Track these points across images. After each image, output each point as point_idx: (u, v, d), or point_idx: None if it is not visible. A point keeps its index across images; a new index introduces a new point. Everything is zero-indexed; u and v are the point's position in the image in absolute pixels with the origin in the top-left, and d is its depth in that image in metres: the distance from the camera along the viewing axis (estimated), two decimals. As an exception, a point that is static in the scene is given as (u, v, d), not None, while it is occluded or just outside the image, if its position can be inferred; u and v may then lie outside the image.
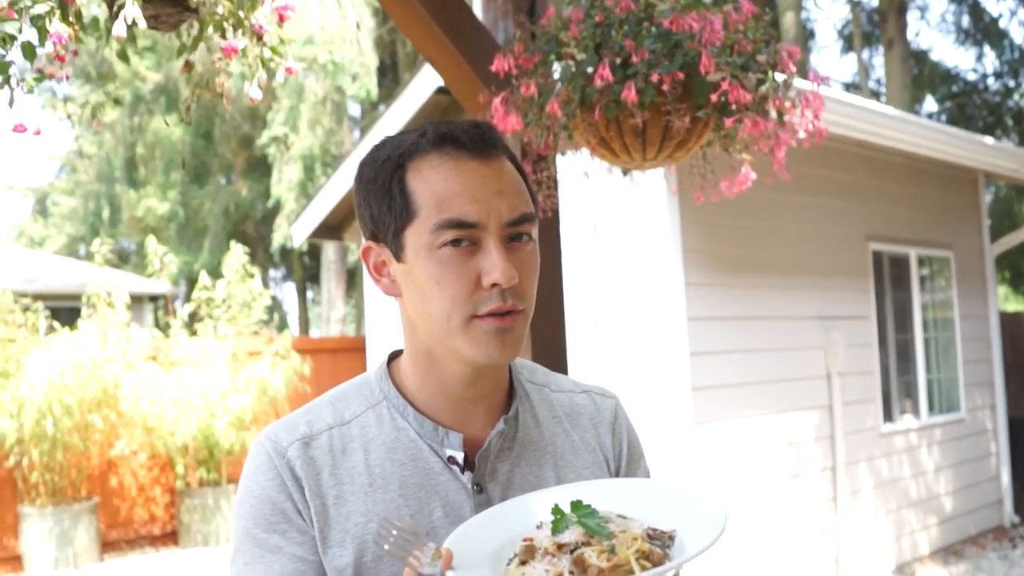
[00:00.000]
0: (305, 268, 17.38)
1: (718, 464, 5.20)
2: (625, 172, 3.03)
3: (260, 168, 16.94)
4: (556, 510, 0.97)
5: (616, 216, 5.37)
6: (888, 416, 6.82)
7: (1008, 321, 10.00)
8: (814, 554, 5.88)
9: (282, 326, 18.48)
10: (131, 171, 18.34)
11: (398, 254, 1.11)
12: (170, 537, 8.41)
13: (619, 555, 0.90)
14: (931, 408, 7.31)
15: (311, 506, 1.11)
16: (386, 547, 0.92)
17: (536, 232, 1.12)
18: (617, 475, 1.25)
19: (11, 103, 1.94)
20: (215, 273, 12.54)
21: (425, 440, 1.15)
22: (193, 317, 8.61)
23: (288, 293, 22.04)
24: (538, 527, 1.00)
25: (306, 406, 1.22)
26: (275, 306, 16.95)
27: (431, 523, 1.12)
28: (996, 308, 8.52)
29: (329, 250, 13.98)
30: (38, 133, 2.07)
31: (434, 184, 1.07)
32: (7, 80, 1.92)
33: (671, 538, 0.96)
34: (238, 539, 1.13)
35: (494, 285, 1.05)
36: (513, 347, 1.10)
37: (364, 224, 1.15)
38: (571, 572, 0.89)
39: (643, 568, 0.89)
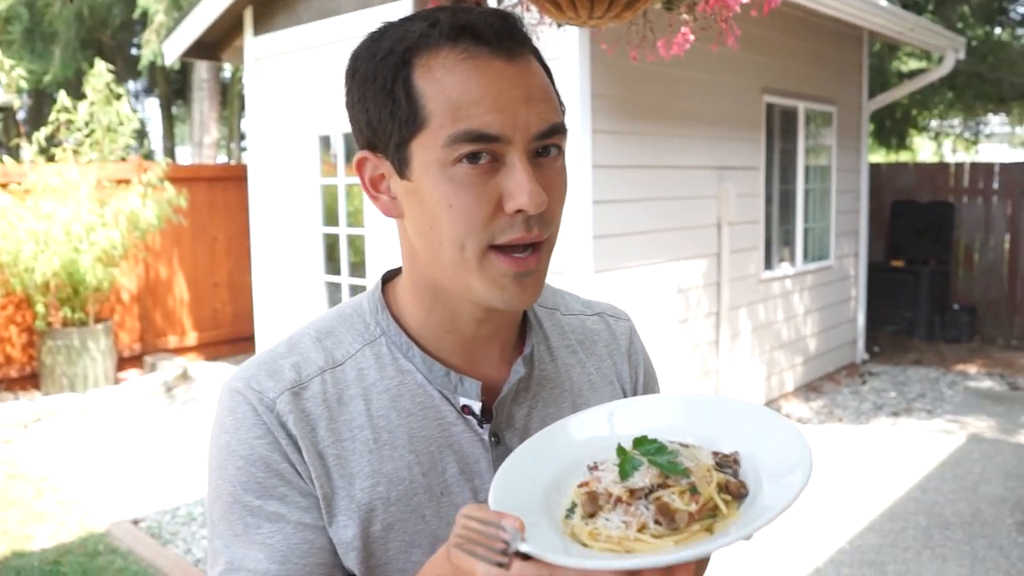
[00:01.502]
0: (170, 83, 16.07)
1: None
2: (560, 26, 2.87)
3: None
4: (620, 451, 0.85)
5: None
6: (768, 264, 7.10)
7: (871, 173, 10.44)
8: (694, 395, 6.19)
9: (149, 154, 17.25)
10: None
11: (402, 169, 0.92)
12: (30, 380, 7.82)
13: (702, 493, 0.81)
14: (806, 256, 7.65)
15: (311, 469, 0.94)
16: (466, 549, 0.78)
17: (566, 144, 0.95)
18: None
19: None
20: (70, 87, 11.49)
21: (435, 386, 1.00)
22: (51, 141, 7.75)
23: (151, 109, 20.49)
24: (591, 468, 0.87)
25: (286, 342, 1.01)
26: (141, 129, 15.72)
27: (444, 481, 0.98)
28: (867, 161, 8.87)
29: (201, 68, 12.80)
30: None
31: (448, 87, 0.88)
32: None
33: (736, 461, 0.87)
34: (222, 507, 0.95)
35: (518, 211, 0.89)
36: (535, 290, 0.94)
37: (358, 130, 0.96)
38: (657, 521, 0.79)
39: (726, 503, 0.82)
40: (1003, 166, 10.03)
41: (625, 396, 1.14)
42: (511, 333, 1.06)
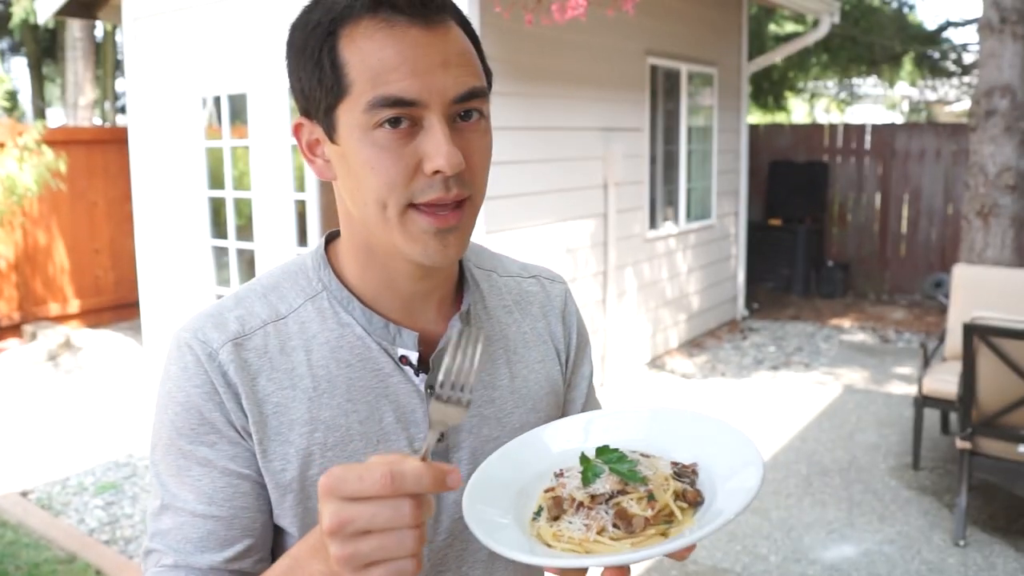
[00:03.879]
0: (39, 42, 15.23)
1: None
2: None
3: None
4: (583, 459, 0.93)
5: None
6: (653, 223, 7.33)
7: (749, 133, 10.81)
8: (583, 351, 6.37)
9: (20, 116, 16.36)
10: None
11: (331, 134, 0.98)
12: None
13: (659, 500, 0.87)
14: (688, 215, 7.92)
15: (248, 416, 1.00)
16: None
17: (488, 108, 0.99)
18: (567, 366, 1.22)
19: None
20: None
21: (374, 338, 1.05)
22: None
23: (17, 69, 19.34)
24: (557, 475, 0.94)
25: (234, 296, 1.08)
26: (12, 91, 14.79)
27: (381, 430, 1.04)
28: (746, 122, 9.18)
29: (74, 26, 12.19)
30: None
31: (368, 55, 0.92)
32: None
33: (694, 472, 0.93)
34: (162, 447, 1.03)
35: (436, 172, 0.92)
36: (457, 247, 0.99)
37: (296, 97, 1.02)
38: (615, 525, 0.85)
39: (682, 510, 0.88)
40: (874, 127, 10.53)
41: (559, 356, 1.20)
42: (448, 290, 1.11)
